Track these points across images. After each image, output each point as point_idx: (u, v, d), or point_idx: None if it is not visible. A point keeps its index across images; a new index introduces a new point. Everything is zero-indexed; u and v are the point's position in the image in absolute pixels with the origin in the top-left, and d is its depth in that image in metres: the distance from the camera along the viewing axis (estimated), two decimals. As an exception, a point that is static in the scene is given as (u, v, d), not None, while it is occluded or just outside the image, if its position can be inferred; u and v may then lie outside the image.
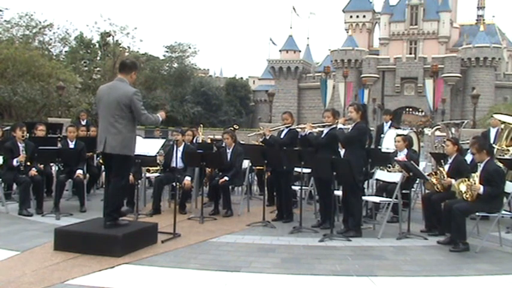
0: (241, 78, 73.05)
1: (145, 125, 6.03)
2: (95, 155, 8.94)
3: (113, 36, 45.85)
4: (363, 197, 6.53)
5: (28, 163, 7.26)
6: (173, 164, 7.17)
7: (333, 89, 45.03)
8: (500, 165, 6.96)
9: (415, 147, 8.18)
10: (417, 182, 7.40)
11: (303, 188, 7.31)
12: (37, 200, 7.09)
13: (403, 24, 59.73)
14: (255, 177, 10.03)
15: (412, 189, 7.17)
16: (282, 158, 6.74)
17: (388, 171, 7.15)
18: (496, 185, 5.57)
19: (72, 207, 7.43)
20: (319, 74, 55.05)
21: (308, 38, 70.51)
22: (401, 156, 7.22)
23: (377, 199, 6.81)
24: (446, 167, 6.54)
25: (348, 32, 61.23)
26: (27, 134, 7.64)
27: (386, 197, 6.70)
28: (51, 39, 39.53)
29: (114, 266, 4.53)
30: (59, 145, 8.04)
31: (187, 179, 7.39)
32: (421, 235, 6.17)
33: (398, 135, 7.71)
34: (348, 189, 6.25)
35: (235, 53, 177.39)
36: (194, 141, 9.77)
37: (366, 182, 7.85)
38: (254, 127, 41.27)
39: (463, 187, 5.76)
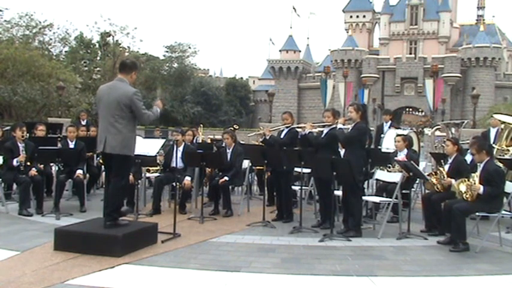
0: (241, 78, 73.07)
1: (147, 123, 6.02)
2: (95, 155, 8.94)
3: (113, 36, 45.91)
4: (363, 197, 6.53)
5: (28, 163, 7.26)
6: (173, 164, 7.17)
7: (333, 89, 45.03)
8: (500, 165, 6.97)
9: (415, 147, 8.18)
10: (417, 182, 7.40)
11: (303, 188, 7.31)
12: (37, 200, 7.09)
13: (403, 24, 59.73)
14: (255, 177, 10.03)
15: (412, 189, 7.17)
16: (282, 158, 6.74)
17: (388, 171, 7.15)
18: (496, 185, 5.57)
19: (72, 207, 7.43)
20: (319, 74, 55.06)
21: (308, 38, 70.73)
22: (401, 156, 7.22)
23: (377, 199, 6.82)
24: (446, 167, 6.54)
25: (348, 32, 61.24)
26: (27, 134, 7.64)
27: (387, 197, 6.70)
28: (51, 39, 39.60)
29: (114, 266, 4.53)
30: (59, 145, 8.04)
31: (187, 179, 7.39)
32: (421, 235, 6.17)
33: (398, 135, 7.71)
34: (348, 189, 6.25)
35: (235, 53, 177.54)
36: (194, 141, 9.77)
37: (366, 182, 7.85)
38: (254, 127, 41.28)
39: (463, 187, 5.76)
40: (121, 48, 47.04)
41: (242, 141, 9.65)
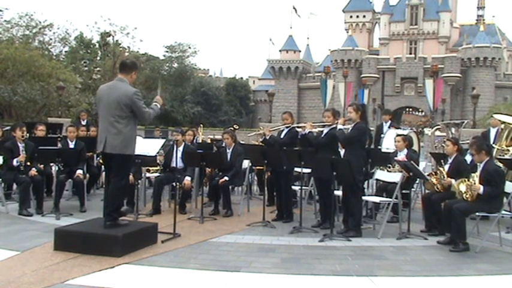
0: (241, 78, 73.08)
1: (149, 122, 6.00)
2: (95, 155, 8.94)
3: (113, 36, 45.90)
4: (363, 197, 6.53)
5: (28, 163, 7.25)
6: (173, 164, 7.17)
7: (333, 89, 45.03)
8: (500, 165, 6.97)
9: (415, 147, 8.18)
10: (417, 182, 7.40)
11: (303, 188, 7.31)
12: (37, 200, 7.09)
13: (403, 24, 59.74)
14: (255, 177, 10.03)
15: (412, 189, 7.17)
16: (282, 158, 6.74)
17: (388, 171, 7.15)
18: (496, 185, 5.57)
19: (72, 207, 7.43)
20: (319, 74, 55.06)
21: (308, 38, 70.65)
22: (401, 156, 7.22)
23: (377, 199, 6.81)
24: (446, 167, 6.54)
25: (348, 32, 61.24)
26: (27, 134, 7.64)
27: (387, 197, 6.70)
28: (51, 39, 39.59)
29: (114, 266, 4.53)
30: (59, 145, 8.04)
31: (187, 179, 7.39)
32: (421, 235, 6.17)
33: (398, 135, 7.71)
34: (348, 189, 6.25)
35: (235, 53, 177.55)
36: (194, 141, 9.77)
37: (366, 182, 7.85)
38: (254, 127, 41.27)
39: (463, 187, 5.76)
40: (121, 48, 47.03)
41: (242, 141, 9.65)
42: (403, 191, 6.47)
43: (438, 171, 6.58)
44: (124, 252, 4.85)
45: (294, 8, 63.56)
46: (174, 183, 7.14)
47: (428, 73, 44.45)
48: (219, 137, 10.76)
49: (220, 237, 5.86)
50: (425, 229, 6.43)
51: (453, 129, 10.06)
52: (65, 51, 44.59)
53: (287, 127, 7.10)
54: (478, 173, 5.76)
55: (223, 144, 8.25)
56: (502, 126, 8.47)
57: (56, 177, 7.42)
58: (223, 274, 4.41)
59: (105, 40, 46.65)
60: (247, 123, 57.71)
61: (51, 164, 7.75)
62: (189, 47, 54.96)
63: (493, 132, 8.99)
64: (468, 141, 7.80)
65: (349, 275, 4.52)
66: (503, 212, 5.81)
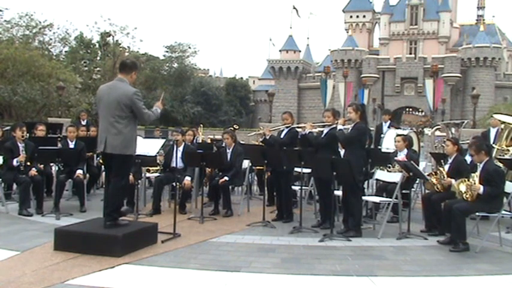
0: (241, 78, 73.06)
1: (148, 123, 6.02)
2: (95, 155, 8.94)
3: (113, 36, 45.88)
4: (363, 197, 6.53)
5: (28, 163, 7.25)
6: (173, 164, 7.17)
7: (333, 89, 45.02)
8: (500, 165, 6.97)
9: (415, 147, 8.18)
10: (417, 182, 7.40)
11: (303, 188, 7.31)
12: (37, 200, 7.09)
13: (403, 24, 59.73)
14: (255, 177, 10.03)
15: (412, 189, 7.17)
16: (282, 158, 6.74)
17: (388, 171, 7.15)
18: (496, 185, 5.57)
19: (72, 207, 7.43)
20: (319, 74, 55.06)
21: (308, 38, 70.67)
22: (401, 156, 7.22)
23: (377, 199, 6.81)
24: (446, 167, 6.54)
25: (348, 32, 61.24)
26: (27, 134, 7.64)
27: (387, 197, 6.70)
28: (51, 39, 39.57)
29: (114, 266, 4.53)
30: (59, 145, 8.04)
31: (187, 179, 7.39)
32: (421, 235, 6.17)
33: (398, 135, 7.71)
34: (348, 189, 6.25)
35: (235, 53, 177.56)
36: (194, 141, 9.77)
37: (366, 182, 7.85)
38: (254, 127, 41.27)
39: (463, 187, 5.76)
40: (121, 48, 47.02)
41: (242, 141, 9.65)
42: (403, 191, 6.47)
43: (438, 171, 6.58)
44: (124, 252, 4.85)
45: (294, 8, 63.54)
46: (174, 183, 7.14)
47: (428, 73, 44.44)
48: (219, 137, 10.76)
49: (220, 237, 5.86)
50: (425, 229, 6.43)
51: (453, 129, 10.06)
52: (65, 51, 44.60)
53: (287, 127, 7.10)
54: (477, 173, 5.76)
55: (223, 144, 8.25)
56: (502, 126, 8.47)
57: (56, 177, 7.42)
58: (223, 274, 4.41)
59: (105, 40, 46.64)
60: (247, 123, 57.71)
61: (51, 164, 7.75)
62: (189, 47, 55.00)
63: (493, 132, 8.99)
64: (468, 141, 7.80)
65: (349, 275, 4.52)
66: (503, 212, 5.81)
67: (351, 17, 64.31)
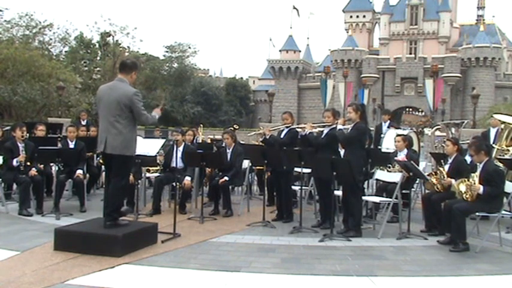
0: (241, 78, 73.06)
1: (146, 125, 6.03)
2: (95, 155, 8.94)
3: (113, 36, 45.87)
4: (363, 197, 6.53)
5: (28, 163, 7.25)
6: (173, 164, 7.17)
7: (333, 89, 45.03)
8: (500, 165, 6.97)
9: (415, 147, 8.18)
10: (417, 182, 7.40)
11: (303, 188, 7.31)
12: (37, 200, 7.09)
13: (403, 24, 59.73)
14: (255, 177, 10.03)
15: (412, 189, 7.17)
16: (282, 158, 6.74)
17: (388, 171, 7.15)
18: (495, 185, 5.57)
19: (72, 207, 7.43)
20: (319, 74, 55.05)
21: (308, 38, 70.61)
22: (401, 156, 7.22)
23: (377, 199, 6.81)
24: (446, 167, 6.54)
25: (348, 32, 61.24)
26: (27, 134, 7.64)
27: (387, 197, 6.70)
28: (51, 39, 39.58)
29: (114, 266, 4.53)
30: (59, 145, 8.04)
31: (187, 179, 7.39)
32: (421, 235, 6.17)
33: (398, 135, 7.71)
34: (348, 189, 6.25)
35: (235, 53, 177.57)
36: (194, 141, 9.77)
37: (366, 182, 7.85)
38: (254, 127, 41.26)
39: (463, 187, 5.76)
40: (121, 48, 47.01)
41: (242, 141, 9.65)
42: (403, 191, 6.47)
43: (438, 171, 6.58)
44: (124, 252, 4.85)
45: (294, 8, 63.50)
46: (174, 183, 7.14)
47: (428, 73, 44.44)
48: (219, 137, 10.76)
49: (220, 237, 5.86)
50: (425, 229, 6.43)
51: (453, 129, 10.06)
52: (65, 51, 44.61)
53: (287, 127, 7.10)
54: (477, 173, 5.76)
55: (223, 144, 8.25)
56: (502, 126, 8.47)
57: (56, 177, 7.42)
58: (223, 274, 4.41)
59: (105, 40, 46.64)
60: (247, 123, 57.72)
61: (51, 164, 7.75)
62: (189, 47, 55.02)
63: (493, 132, 8.99)
64: (468, 141, 7.80)
65: (349, 275, 4.52)
66: (503, 212, 5.81)
67: (351, 17, 64.31)
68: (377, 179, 7.31)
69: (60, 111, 28.42)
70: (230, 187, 7.75)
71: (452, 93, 54.71)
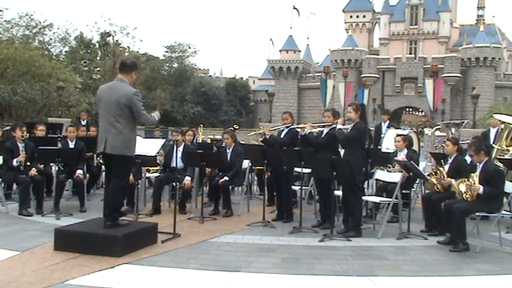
0: (241, 78, 73.07)
1: (145, 125, 6.04)
2: (95, 155, 8.94)
3: (113, 36, 45.86)
4: (363, 197, 6.53)
5: (28, 163, 7.25)
6: (173, 164, 7.17)
7: (333, 89, 45.04)
8: (500, 165, 6.97)
9: (415, 147, 8.18)
10: (417, 182, 7.39)
11: (303, 188, 7.31)
12: (37, 200, 7.09)
13: (403, 24, 59.74)
14: (255, 177, 10.03)
15: (412, 189, 7.17)
16: (282, 158, 6.74)
17: (388, 171, 7.15)
18: (495, 185, 5.57)
19: (72, 207, 7.43)
20: (319, 74, 55.05)
21: (308, 38, 70.49)
22: (401, 156, 7.22)
23: (377, 199, 6.81)
24: (446, 167, 6.54)
25: (348, 32, 61.24)
26: (27, 134, 7.64)
27: (387, 197, 6.70)
28: (51, 39, 39.57)
29: (114, 266, 4.53)
30: (59, 145, 8.04)
31: (187, 179, 7.39)
32: (421, 235, 6.17)
33: (398, 135, 7.71)
34: (348, 189, 6.25)
35: (235, 53, 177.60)
36: (194, 141, 9.76)
37: (366, 182, 7.85)
38: (254, 127, 41.25)
39: (463, 187, 5.76)
40: (121, 48, 47.01)
41: (242, 141, 9.65)
42: (403, 191, 6.47)
43: (438, 171, 6.58)
44: (124, 252, 4.85)
45: (294, 8, 63.47)
46: (174, 183, 7.14)
47: (428, 73, 44.44)
48: (219, 137, 10.76)
49: (220, 237, 5.86)
50: (425, 229, 6.43)
51: (453, 129, 10.06)
52: (65, 51, 44.61)
53: (287, 127, 7.09)
54: (477, 173, 5.76)
55: (223, 144, 8.25)
56: (502, 126, 8.47)
57: (56, 177, 7.42)
58: (223, 274, 4.41)
59: (105, 40, 46.63)
60: (247, 123, 57.72)
61: (51, 164, 7.75)
62: (189, 47, 55.03)
63: (493, 132, 8.99)
64: (468, 141, 7.80)
65: (349, 275, 4.52)
66: (503, 212, 5.81)
67: (351, 17, 64.32)
68: (377, 179, 7.31)
69: (60, 111, 28.42)
70: (230, 187, 7.75)
71: (452, 93, 54.72)
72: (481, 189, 5.56)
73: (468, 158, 7.14)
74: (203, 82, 58.00)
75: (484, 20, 63.12)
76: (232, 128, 9.57)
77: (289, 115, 7.25)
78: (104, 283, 4.09)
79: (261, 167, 8.04)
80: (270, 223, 6.66)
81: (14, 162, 7.13)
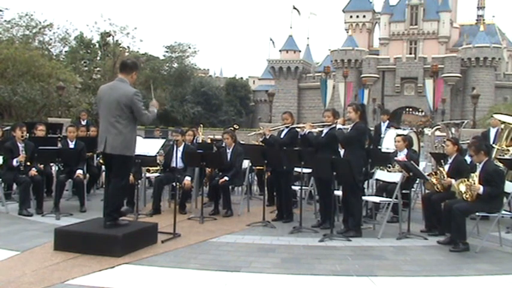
0: (241, 78, 73.06)
1: (147, 124, 6.04)
2: (95, 155, 8.94)
3: (113, 36, 45.88)
4: (363, 197, 6.53)
5: (28, 163, 7.25)
6: (173, 164, 7.17)
7: (333, 89, 45.05)
8: (500, 165, 6.97)
9: (415, 147, 8.18)
10: (417, 182, 7.40)
11: (303, 188, 7.31)
12: (37, 200, 7.09)
13: (403, 24, 59.74)
14: (255, 177, 10.03)
15: (412, 189, 7.17)
16: (282, 158, 6.74)
17: (388, 171, 7.15)
18: (495, 185, 5.57)
19: (72, 207, 7.43)
20: (319, 74, 55.06)
21: (308, 38, 70.45)
22: (401, 156, 7.22)
23: (377, 199, 6.81)
24: (446, 167, 6.54)
25: (348, 32, 61.24)
26: (27, 134, 7.64)
27: (387, 197, 6.70)
28: (51, 39, 39.58)
29: (114, 266, 4.53)
30: (59, 145, 8.04)
31: (187, 179, 7.39)
32: (421, 235, 6.17)
33: (398, 135, 7.71)
34: (348, 189, 6.25)
35: (235, 53, 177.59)
36: (194, 141, 9.76)
37: (366, 182, 7.85)
38: (254, 127, 41.26)
39: (462, 187, 5.76)
40: (121, 48, 47.02)
41: (242, 141, 9.65)
42: (403, 191, 6.47)
43: (438, 171, 6.58)
44: (124, 252, 4.85)
45: (294, 8, 63.45)
46: (174, 183, 7.14)
47: (428, 73, 44.45)
48: (219, 137, 10.76)
49: (220, 237, 5.86)
50: (425, 229, 6.43)
51: (453, 129, 10.06)
52: (65, 51, 44.61)
53: (287, 127, 7.09)
54: (477, 173, 5.76)
55: (223, 144, 8.25)
56: (502, 126, 8.47)
57: (56, 177, 7.42)
58: (223, 274, 4.41)
59: (105, 40, 46.64)
60: (247, 123, 57.72)
61: (51, 164, 7.75)
62: (189, 47, 55.06)
63: (493, 132, 8.99)
64: (468, 141, 7.81)
65: (349, 275, 4.52)
66: (503, 212, 5.81)
67: (351, 17, 64.31)
68: (377, 179, 7.31)
69: (60, 111, 28.42)
70: (230, 187, 7.75)
71: (452, 93, 54.71)
72: (481, 189, 5.56)
73: (468, 158, 7.14)
74: (203, 82, 57.99)
75: (484, 20, 63.13)
76: (232, 128, 9.57)
77: (289, 115, 7.25)
78: (104, 283, 4.09)
79: (261, 167, 8.04)
80: (270, 223, 6.66)
81: (14, 162, 7.13)
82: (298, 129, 6.92)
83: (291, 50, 63.81)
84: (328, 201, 6.34)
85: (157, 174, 7.99)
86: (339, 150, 6.92)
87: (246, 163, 7.98)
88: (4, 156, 7.22)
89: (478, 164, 5.92)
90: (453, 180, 6.20)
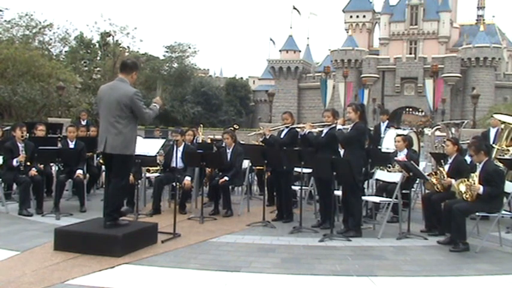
0: (241, 78, 73.05)
1: (148, 123, 6.03)
2: (95, 155, 8.94)
3: (113, 36, 45.87)
4: (363, 197, 6.53)
5: (28, 163, 7.25)
6: (173, 164, 7.17)
7: (333, 89, 45.05)
8: (500, 165, 6.97)
9: (415, 147, 8.18)
10: (417, 182, 7.40)
11: (303, 188, 7.31)
12: (37, 200, 7.09)
13: (403, 24, 59.74)
14: (255, 177, 10.03)
15: (412, 189, 7.17)
16: (282, 158, 6.74)
17: (388, 171, 7.15)
18: (495, 185, 5.57)
19: (72, 207, 7.43)
20: (319, 74, 55.06)
21: (308, 38, 70.46)
22: (401, 156, 7.22)
23: (377, 199, 6.81)
24: (446, 167, 6.54)
25: (348, 32, 61.25)
26: (27, 134, 7.64)
27: (387, 197, 6.70)
28: (51, 39, 39.55)
29: (114, 266, 4.53)
30: (59, 145, 8.04)
31: (187, 179, 7.39)
32: (421, 235, 6.17)
33: (398, 135, 7.71)
34: (348, 189, 6.25)
35: (235, 53, 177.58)
36: (194, 141, 9.76)
37: (366, 182, 7.85)
38: (254, 127, 41.26)
39: (462, 187, 5.76)
40: (121, 48, 47.01)
41: (242, 141, 9.65)
42: (403, 191, 6.47)
43: (438, 171, 6.58)
44: (124, 252, 4.85)
45: (294, 8, 63.45)
46: (174, 183, 7.14)
47: (428, 73, 44.45)
48: (219, 137, 10.76)
49: (220, 237, 5.86)
50: (425, 229, 6.43)
51: (453, 129, 10.06)
52: (65, 51, 44.59)
53: (287, 127, 7.09)
54: (477, 173, 5.76)
55: (223, 144, 8.25)
56: (502, 126, 8.47)
57: (56, 177, 7.42)
58: (223, 274, 4.42)
59: (105, 40, 46.63)
60: (247, 123, 57.73)
61: (51, 164, 7.75)
62: (189, 47, 55.05)
63: (493, 132, 8.99)
64: (468, 141, 7.81)
65: (349, 275, 4.52)
66: (503, 212, 5.81)
67: (351, 17, 64.32)
68: (377, 179, 7.31)
69: (60, 111, 28.42)
70: (230, 187, 7.75)
71: (452, 93, 54.72)
72: (481, 189, 5.56)
73: (468, 158, 7.14)
74: (203, 82, 58.00)
75: (484, 20, 63.13)
76: (232, 128, 9.57)
77: (289, 115, 7.25)
78: (104, 283, 4.09)
79: (261, 167, 8.04)
80: (270, 223, 6.67)
81: (14, 162, 7.13)
82: (298, 129, 6.92)
83: (291, 50, 63.82)
84: (328, 201, 6.34)
85: (157, 174, 7.99)
86: (339, 150, 6.92)
87: (246, 163, 7.98)
88: (4, 156, 7.22)
89: (478, 164, 5.92)
90: (453, 180, 6.20)
